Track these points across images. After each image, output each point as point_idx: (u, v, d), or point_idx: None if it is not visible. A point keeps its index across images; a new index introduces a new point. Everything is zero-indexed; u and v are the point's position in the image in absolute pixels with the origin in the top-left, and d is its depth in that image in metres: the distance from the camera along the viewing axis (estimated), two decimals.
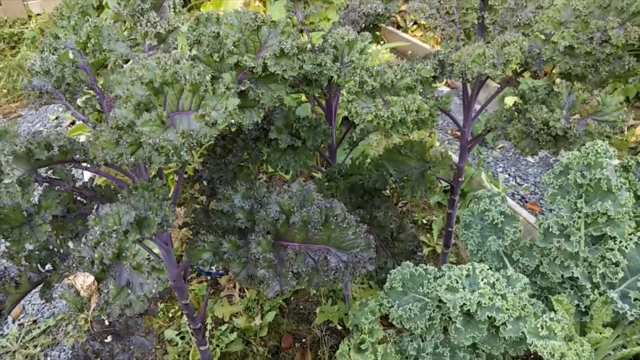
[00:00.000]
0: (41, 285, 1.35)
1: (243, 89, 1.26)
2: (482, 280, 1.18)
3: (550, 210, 1.30)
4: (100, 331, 1.34)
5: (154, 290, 0.96)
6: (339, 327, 2.45)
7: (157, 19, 1.22)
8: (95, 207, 1.09)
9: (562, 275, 1.24)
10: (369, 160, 1.86)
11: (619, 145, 3.49)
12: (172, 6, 1.22)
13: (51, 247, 1.33)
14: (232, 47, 1.26)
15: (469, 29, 1.70)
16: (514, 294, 1.19)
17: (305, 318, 2.56)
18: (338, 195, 1.77)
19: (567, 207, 1.24)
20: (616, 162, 1.30)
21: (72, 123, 4.63)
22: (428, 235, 2.88)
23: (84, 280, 1.00)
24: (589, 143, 1.28)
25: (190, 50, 1.33)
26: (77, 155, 1.11)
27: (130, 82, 1.00)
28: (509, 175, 3.45)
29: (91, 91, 1.45)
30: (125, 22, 1.26)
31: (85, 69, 1.46)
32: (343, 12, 1.82)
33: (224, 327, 2.43)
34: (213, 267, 2.13)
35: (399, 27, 5.44)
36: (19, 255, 1.18)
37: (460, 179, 1.90)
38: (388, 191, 2.90)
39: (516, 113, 1.53)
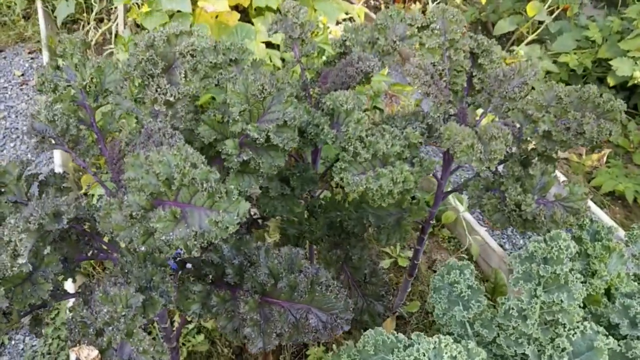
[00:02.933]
0: (30, 321, 1.41)
1: (245, 158, 1.32)
2: (446, 353, 1.32)
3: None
4: None
5: None
6: None
7: (167, 86, 1.24)
8: (101, 284, 1.15)
9: (516, 351, 1.40)
10: (343, 199, 1.95)
11: (576, 169, 3.70)
12: (182, 75, 1.24)
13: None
14: (238, 116, 1.31)
15: (458, 90, 1.79)
16: None
17: None
18: (317, 232, 1.87)
19: (527, 292, 1.38)
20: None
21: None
22: (391, 247, 3.03)
23: (88, 354, 1.07)
24: (554, 234, 1.42)
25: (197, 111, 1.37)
26: (86, 225, 1.16)
27: (145, 171, 1.05)
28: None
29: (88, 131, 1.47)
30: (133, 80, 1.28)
31: (84, 107, 1.47)
32: (339, 57, 1.87)
33: (190, 326, 2.53)
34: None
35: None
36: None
37: (431, 221, 2.03)
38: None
39: (492, 183, 1.65)
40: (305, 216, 1.93)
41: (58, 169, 3.38)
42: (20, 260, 1.01)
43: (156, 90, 1.24)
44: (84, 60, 1.45)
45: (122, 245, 1.05)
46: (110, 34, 4.52)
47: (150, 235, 1.05)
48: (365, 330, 1.87)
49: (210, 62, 1.39)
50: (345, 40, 1.93)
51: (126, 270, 1.19)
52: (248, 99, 1.34)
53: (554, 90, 1.60)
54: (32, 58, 4.77)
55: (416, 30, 1.78)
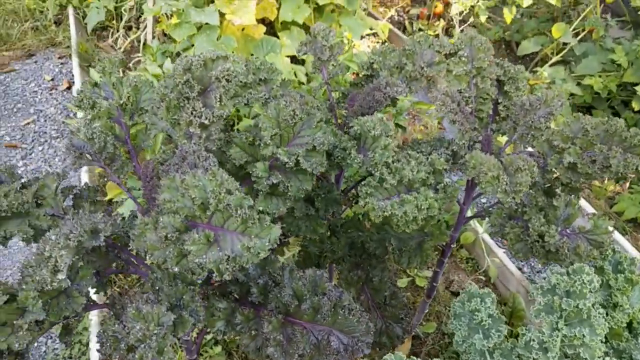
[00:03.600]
0: (60, 330, 1.45)
1: (275, 181, 1.35)
2: None
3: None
4: None
5: None
6: None
7: (202, 109, 1.28)
8: (134, 301, 1.19)
9: None
10: (369, 219, 1.97)
11: (597, 194, 3.67)
12: (217, 99, 1.28)
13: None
14: (269, 140, 1.34)
15: (484, 117, 1.81)
16: None
17: None
18: (338, 252, 1.89)
19: (549, 325, 1.39)
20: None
21: (69, 87, 4.59)
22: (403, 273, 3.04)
23: None
24: (577, 267, 1.42)
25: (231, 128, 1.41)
26: (120, 243, 1.20)
27: (180, 194, 1.09)
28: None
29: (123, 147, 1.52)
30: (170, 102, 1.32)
31: (120, 124, 1.52)
32: (365, 80, 1.90)
33: (208, 337, 2.56)
34: None
35: (404, 30, 5.46)
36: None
37: (452, 246, 2.04)
38: None
39: (515, 212, 1.66)
40: (327, 234, 1.95)
41: (84, 174, 3.46)
42: (60, 276, 1.05)
43: (192, 113, 1.28)
44: (122, 78, 1.50)
45: (149, 262, 1.09)
46: (139, 42, 4.63)
47: (184, 257, 1.08)
48: (381, 349, 1.89)
49: (241, 82, 1.43)
50: (373, 63, 1.95)
51: (157, 288, 1.22)
52: (279, 124, 1.37)
53: (581, 122, 1.61)
54: (62, 63, 4.89)
55: (444, 57, 1.80)
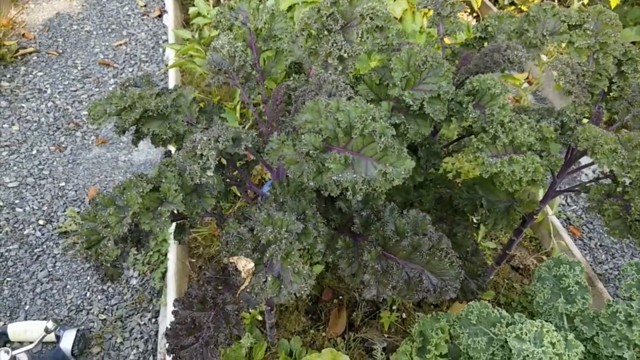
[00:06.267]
0: (175, 228, 1.59)
1: (397, 122, 1.42)
2: (546, 338, 1.40)
3: (617, 296, 1.48)
4: (213, 277, 1.59)
5: (302, 292, 1.18)
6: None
7: (343, 42, 1.35)
8: (263, 209, 1.29)
9: (613, 352, 1.45)
10: (456, 178, 2.02)
11: None
12: (359, 34, 1.34)
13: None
14: (398, 81, 1.40)
15: (595, 94, 1.81)
16: (568, 356, 1.41)
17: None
18: (426, 204, 1.96)
19: (638, 299, 1.43)
20: None
21: (159, 15, 4.73)
22: (474, 234, 3.08)
23: (245, 264, 1.22)
24: None
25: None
26: (254, 155, 1.30)
27: (324, 117, 1.17)
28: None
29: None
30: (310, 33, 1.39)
31: (252, 48, 1.60)
32: (477, 41, 1.92)
33: None
34: None
35: (496, 2, 5.32)
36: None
37: (535, 217, 2.07)
38: None
39: (614, 190, 1.67)
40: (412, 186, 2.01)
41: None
42: (209, 173, 1.17)
43: (332, 45, 1.35)
44: (259, 5, 1.58)
45: (289, 174, 1.18)
46: None
47: (320, 174, 1.17)
48: (453, 301, 1.97)
49: (379, 25, 1.48)
50: (488, 26, 1.96)
51: (281, 201, 1.33)
52: (409, 67, 1.42)
53: None
54: None
55: (567, 27, 1.79)
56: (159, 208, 1.27)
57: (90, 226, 1.27)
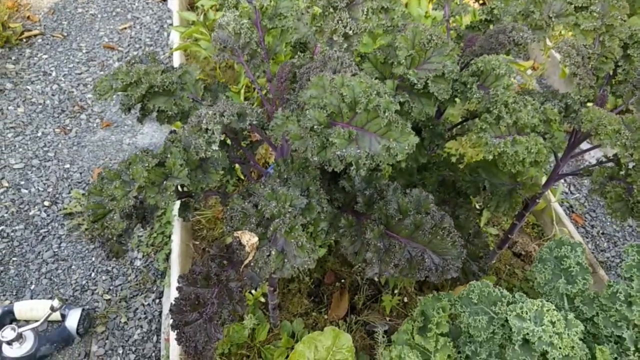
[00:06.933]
0: (180, 205, 1.60)
1: (402, 100, 1.42)
2: (546, 317, 1.41)
3: (619, 276, 1.49)
4: (218, 254, 1.61)
5: (305, 266, 1.20)
6: (376, 279, 2.74)
7: (348, 20, 1.35)
8: (267, 185, 1.30)
9: (612, 332, 1.46)
10: (459, 162, 2.03)
11: None
12: (365, 12, 1.34)
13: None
14: (403, 60, 1.40)
15: (600, 76, 1.80)
16: (568, 335, 1.42)
17: (348, 261, 2.85)
18: (429, 187, 1.97)
19: (638, 280, 1.44)
20: None
21: (164, 0, 4.71)
22: (476, 220, 3.09)
23: (249, 239, 1.23)
24: None
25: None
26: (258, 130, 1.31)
27: (329, 92, 1.17)
28: (564, 180, 3.58)
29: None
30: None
31: (257, 26, 1.61)
32: (483, 24, 1.91)
33: None
34: None
35: None
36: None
37: (537, 201, 2.08)
38: None
39: (617, 173, 1.68)
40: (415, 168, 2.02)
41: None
42: (214, 147, 1.18)
43: (337, 22, 1.35)
44: None
45: (293, 149, 1.19)
46: None
47: (324, 149, 1.18)
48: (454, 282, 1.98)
49: (383, 5, 1.48)
50: (494, 9, 1.96)
51: (285, 177, 1.34)
52: (414, 46, 1.43)
53: None
54: None
55: (573, 9, 1.78)
56: (164, 182, 1.28)
57: (97, 200, 1.29)
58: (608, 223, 3.43)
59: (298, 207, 1.22)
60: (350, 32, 1.35)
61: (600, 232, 3.37)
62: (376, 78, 1.48)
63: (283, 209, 1.19)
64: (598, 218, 3.45)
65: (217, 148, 1.18)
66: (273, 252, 1.20)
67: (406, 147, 1.12)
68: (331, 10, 1.37)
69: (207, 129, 1.18)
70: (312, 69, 1.35)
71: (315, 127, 1.16)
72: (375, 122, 1.15)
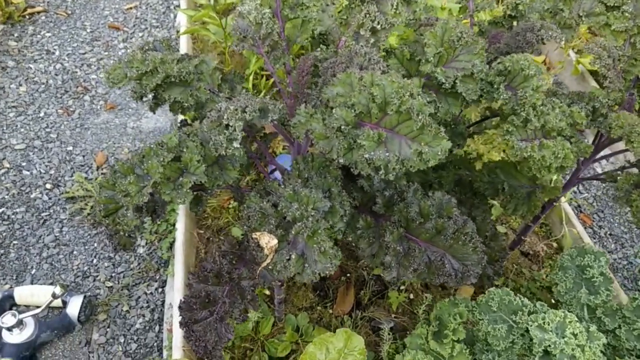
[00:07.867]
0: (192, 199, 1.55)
1: (429, 100, 1.36)
2: (568, 329, 1.37)
3: (624, 286, 1.45)
4: (229, 251, 1.56)
5: (326, 272, 1.15)
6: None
7: (377, 13, 1.29)
8: (288, 185, 1.25)
9: (635, 346, 1.43)
10: (474, 159, 1.97)
11: None
12: (394, 6, 1.28)
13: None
14: (431, 57, 1.34)
15: (628, 79, 1.74)
16: (590, 348, 1.38)
17: (354, 255, 2.81)
18: (445, 186, 1.91)
19: None
20: None
21: None
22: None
23: (268, 241, 1.18)
24: None
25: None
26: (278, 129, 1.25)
27: (358, 91, 1.11)
28: None
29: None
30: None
31: (277, 16, 1.54)
32: (507, 20, 1.85)
33: None
34: None
35: None
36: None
37: (554, 204, 2.03)
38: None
39: None
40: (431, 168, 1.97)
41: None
42: (235, 144, 1.12)
43: (365, 15, 1.28)
44: None
45: (318, 149, 1.13)
46: None
47: (351, 150, 1.12)
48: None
49: None
50: (519, 5, 1.89)
51: (306, 176, 1.28)
52: (443, 43, 1.36)
53: None
54: None
55: (605, 8, 1.72)
56: (180, 179, 1.23)
57: (109, 194, 1.23)
58: (616, 224, 3.39)
59: (321, 211, 1.17)
60: (378, 27, 1.29)
61: (608, 233, 3.34)
62: (402, 75, 1.42)
63: (305, 212, 1.14)
64: (606, 219, 3.41)
65: (238, 145, 1.12)
66: (293, 256, 1.15)
67: (439, 152, 1.06)
68: (358, 2, 1.30)
69: (227, 125, 1.12)
70: (337, 64, 1.29)
71: (342, 127, 1.10)
72: (407, 124, 1.09)
